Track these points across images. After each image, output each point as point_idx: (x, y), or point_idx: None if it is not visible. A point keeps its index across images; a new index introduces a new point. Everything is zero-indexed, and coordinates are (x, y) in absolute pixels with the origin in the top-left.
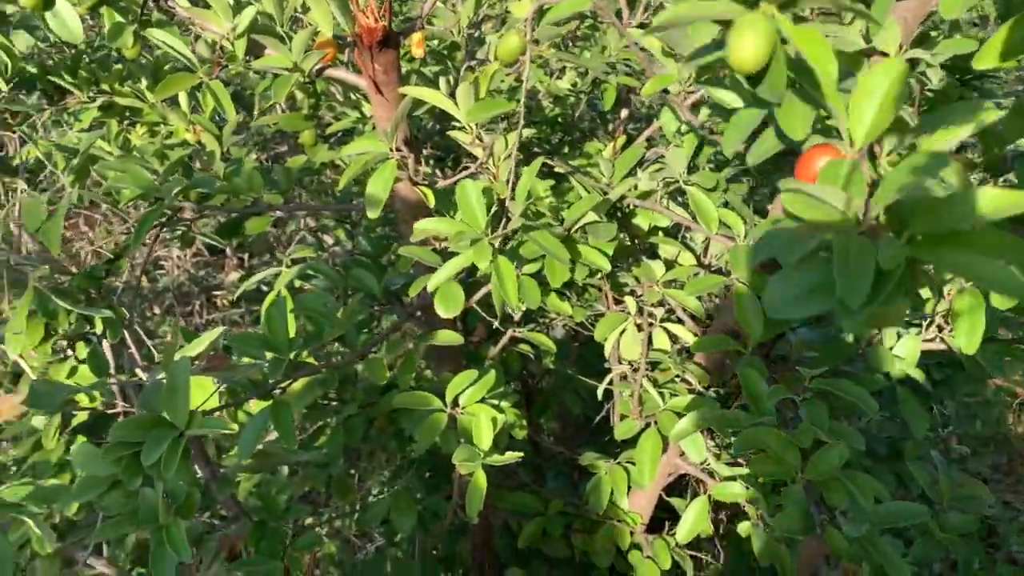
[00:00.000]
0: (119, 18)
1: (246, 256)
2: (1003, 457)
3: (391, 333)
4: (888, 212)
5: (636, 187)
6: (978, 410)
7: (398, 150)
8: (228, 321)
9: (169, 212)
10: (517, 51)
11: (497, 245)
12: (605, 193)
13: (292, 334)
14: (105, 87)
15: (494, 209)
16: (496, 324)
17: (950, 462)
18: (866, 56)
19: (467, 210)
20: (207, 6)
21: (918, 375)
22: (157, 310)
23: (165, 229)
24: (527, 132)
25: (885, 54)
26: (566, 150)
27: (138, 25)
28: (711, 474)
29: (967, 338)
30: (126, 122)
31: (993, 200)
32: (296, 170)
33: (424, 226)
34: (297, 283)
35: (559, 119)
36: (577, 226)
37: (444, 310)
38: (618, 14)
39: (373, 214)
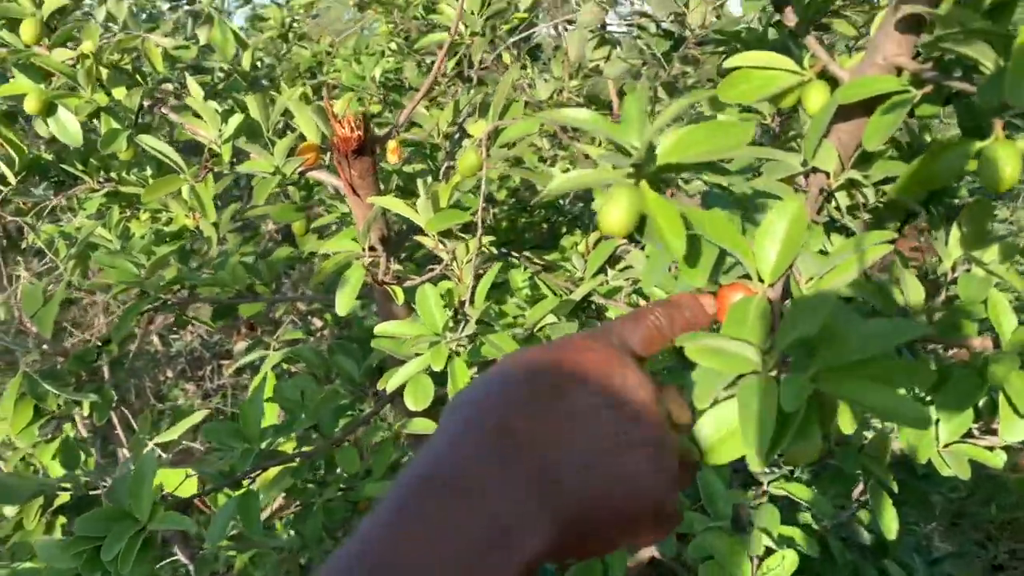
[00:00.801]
0: (115, 124)
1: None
2: (1021, 543)
3: (369, 419)
4: (793, 349)
5: (607, 283)
6: (994, 492)
7: (372, 249)
8: (239, 387)
9: (161, 299)
10: (475, 167)
11: (454, 347)
12: (570, 291)
13: (267, 423)
14: (113, 175)
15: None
16: None
17: (950, 556)
18: (805, 176)
19: (426, 313)
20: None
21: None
22: (170, 373)
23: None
24: (487, 239)
25: (825, 172)
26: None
27: (133, 130)
28: None
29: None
30: (130, 209)
31: (886, 327)
32: (280, 262)
33: (385, 329)
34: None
35: (538, 218)
36: (540, 326)
37: (413, 403)
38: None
39: (342, 312)
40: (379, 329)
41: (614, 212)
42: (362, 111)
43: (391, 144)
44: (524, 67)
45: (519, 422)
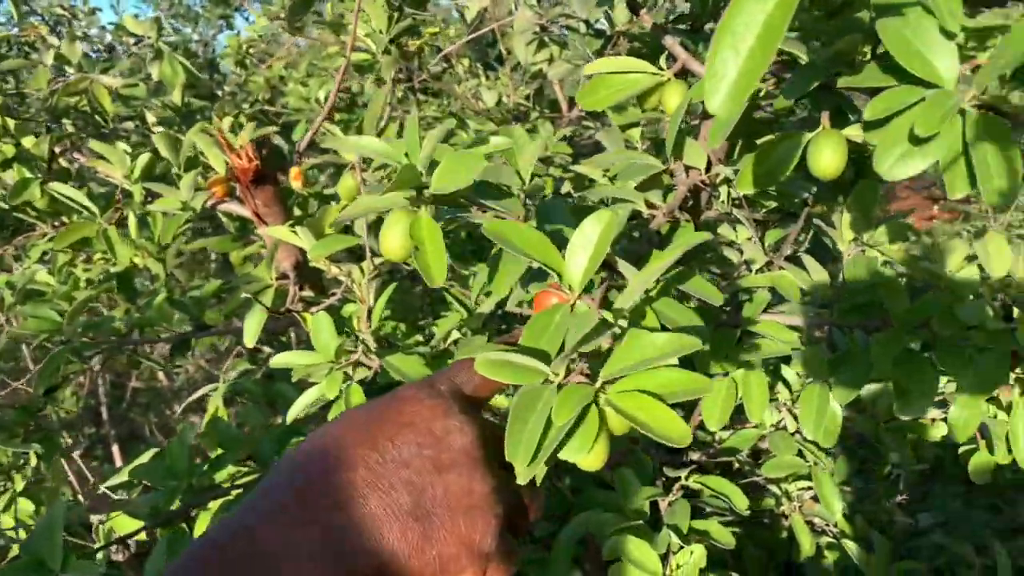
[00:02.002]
0: (27, 174)
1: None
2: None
3: None
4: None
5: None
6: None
7: (284, 276)
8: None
9: (94, 344)
10: (354, 190)
11: (352, 372)
12: (479, 305)
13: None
14: (65, 219)
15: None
16: None
17: (937, 525)
18: (670, 174)
19: (319, 341)
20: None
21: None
22: (177, 408)
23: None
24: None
25: (696, 168)
26: None
27: (46, 177)
28: None
29: (812, 425)
30: (84, 252)
31: (668, 340)
32: (209, 296)
33: (279, 361)
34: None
35: None
36: (449, 342)
37: None
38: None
39: (249, 343)
40: (275, 362)
41: (391, 238)
42: (258, 138)
43: (293, 171)
44: (477, 76)
45: (317, 487)
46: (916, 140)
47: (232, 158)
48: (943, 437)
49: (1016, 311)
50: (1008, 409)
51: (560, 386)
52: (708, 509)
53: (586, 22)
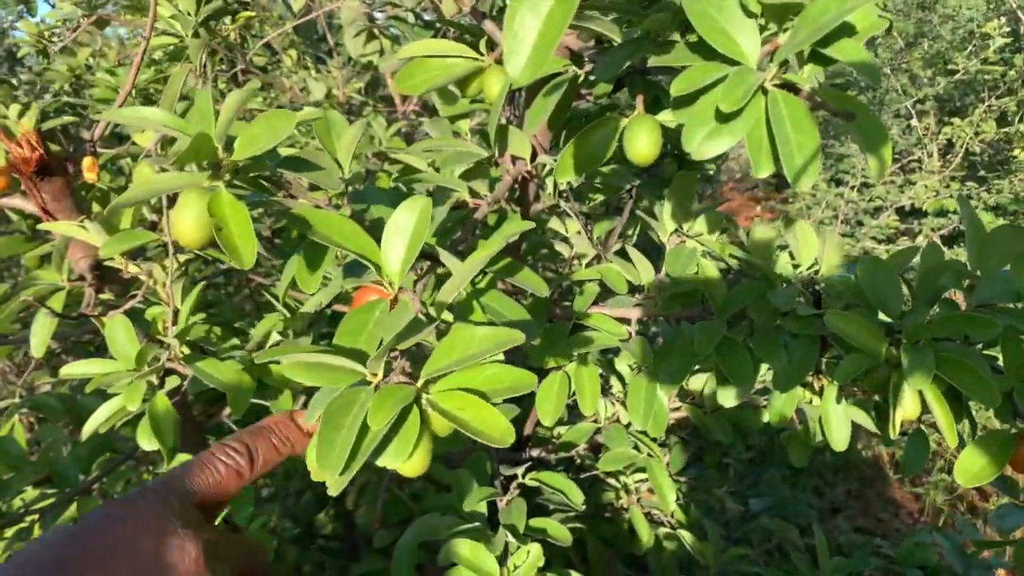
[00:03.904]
0: None
1: None
2: (854, 483)
3: (120, 464)
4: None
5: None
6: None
7: (80, 279)
8: None
9: None
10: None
11: (156, 381)
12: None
13: None
14: None
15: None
16: None
17: (766, 510)
18: (495, 164)
19: (116, 347)
20: None
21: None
22: None
23: None
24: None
25: (522, 158)
26: None
27: None
28: None
29: (641, 417)
30: None
31: (488, 335)
32: None
33: (70, 371)
34: None
35: None
36: (269, 345)
37: (147, 444)
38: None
39: (37, 354)
40: (65, 371)
41: (184, 220)
42: (41, 128)
43: (86, 161)
44: (307, 68)
45: None
46: (722, 117)
47: (11, 147)
48: (766, 423)
49: (824, 298)
50: (821, 393)
51: (378, 388)
52: (552, 506)
53: (414, 12)
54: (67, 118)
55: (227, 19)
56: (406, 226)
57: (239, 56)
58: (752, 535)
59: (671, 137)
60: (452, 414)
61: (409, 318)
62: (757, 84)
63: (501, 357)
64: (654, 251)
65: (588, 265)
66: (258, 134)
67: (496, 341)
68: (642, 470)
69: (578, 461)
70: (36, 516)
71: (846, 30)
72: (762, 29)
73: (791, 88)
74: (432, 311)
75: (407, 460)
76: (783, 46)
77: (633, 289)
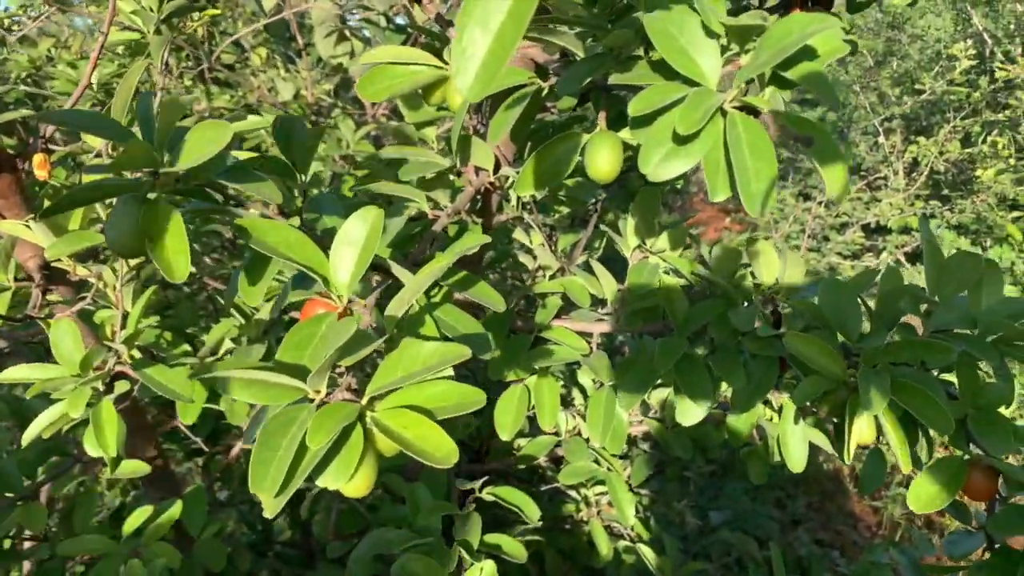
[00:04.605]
0: None
1: None
2: (815, 496)
3: (69, 468)
4: (352, 372)
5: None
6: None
7: (28, 279)
8: None
9: None
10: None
11: (101, 387)
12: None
13: None
14: None
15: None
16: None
17: (725, 523)
18: (457, 174)
19: (60, 352)
20: None
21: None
22: None
23: None
24: None
25: (485, 169)
26: None
27: None
28: None
29: (600, 432)
30: None
31: (434, 351)
32: None
33: (10, 375)
34: None
35: None
36: (222, 351)
37: (92, 450)
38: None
39: None
40: (4, 376)
41: (118, 230)
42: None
43: (36, 158)
44: (276, 67)
45: None
46: (679, 139)
47: None
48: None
49: (784, 318)
50: (780, 411)
51: (321, 405)
52: (512, 518)
53: (386, 16)
54: (24, 111)
55: (194, 15)
56: (357, 237)
57: (204, 54)
58: (711, 548)
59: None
60: (396, 433)
61: (352, 331)
62: (716, 106)
63: (450, 372)
64: (621, 264)
65: (551, 277)
66: (201, 140)
67: (443, 357)
68: (603, 483)
69: (540, 471)
70: None
71: (808, 53)
72: (724, 50)
73: (751, 111)
74: (385, 325)
75: (349, 480)
76: (744, 67)
77: (596, 302)
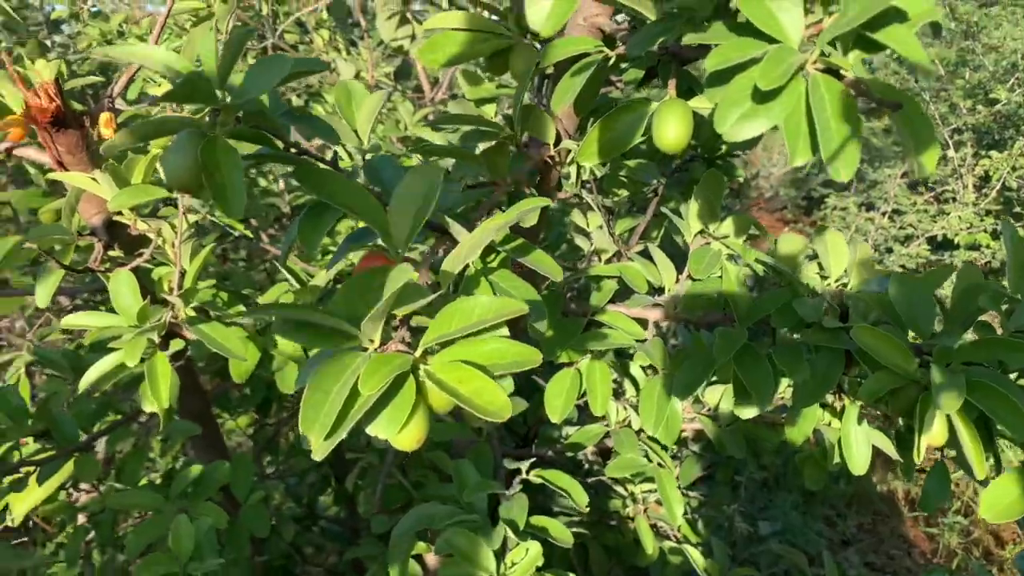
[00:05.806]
0: None
1: None
2: (867, 517)
3: (124, 423)
4: (406, 326)
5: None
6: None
7: (91, 234)
8: None
9: None
10: None
11: (157, 339)
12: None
13: None
14: None
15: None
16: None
17: (774, 534)
18: (516, 146)
19: (119, 302)
20: None
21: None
22: None
23: None
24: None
25: (545, 143)
26: None
27: None
28: None
29: (652, 422)
30: None
31: (489, 305)
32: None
33: (71, 321)
34: None
35: None
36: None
37: (148, 405)
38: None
39: (41, 304)
40: (66, 322)
41: (175, 162)
42: (61, 81)
43: (103, 116)
44: (338, 49)
45: None
46: (758, 98)
47: (29, 96)
48: (781, 443)
49: (851, 312)
50: (841, 414)
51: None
52: (556, 508)
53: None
54: (92, 78)
55: None
56: (415, 194)
57: (269, 31)
58: (759, 558)
59: (701, 135)
60: (450, 386)
61: (407, 278)
62: (798, 64)
63: (506, 332)
64: (678, 257)
65: (608, 262)
66: (259, 73)
67: (499, 311)
68: (651, 480)
69: (585, 465)
70: (32, 468)
71: (897, 15)
72: (806, 13)
73: (834, 73)
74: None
75: (400, 431)
76: (829, 27)
77: (653, 291)
